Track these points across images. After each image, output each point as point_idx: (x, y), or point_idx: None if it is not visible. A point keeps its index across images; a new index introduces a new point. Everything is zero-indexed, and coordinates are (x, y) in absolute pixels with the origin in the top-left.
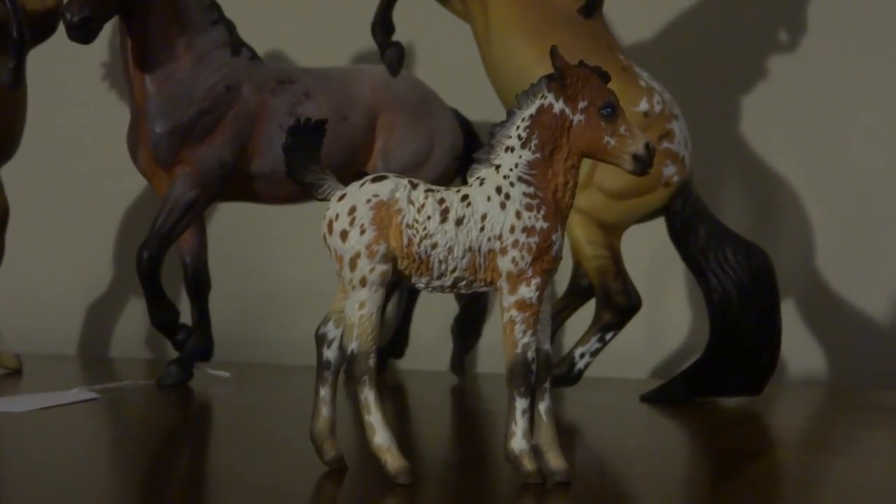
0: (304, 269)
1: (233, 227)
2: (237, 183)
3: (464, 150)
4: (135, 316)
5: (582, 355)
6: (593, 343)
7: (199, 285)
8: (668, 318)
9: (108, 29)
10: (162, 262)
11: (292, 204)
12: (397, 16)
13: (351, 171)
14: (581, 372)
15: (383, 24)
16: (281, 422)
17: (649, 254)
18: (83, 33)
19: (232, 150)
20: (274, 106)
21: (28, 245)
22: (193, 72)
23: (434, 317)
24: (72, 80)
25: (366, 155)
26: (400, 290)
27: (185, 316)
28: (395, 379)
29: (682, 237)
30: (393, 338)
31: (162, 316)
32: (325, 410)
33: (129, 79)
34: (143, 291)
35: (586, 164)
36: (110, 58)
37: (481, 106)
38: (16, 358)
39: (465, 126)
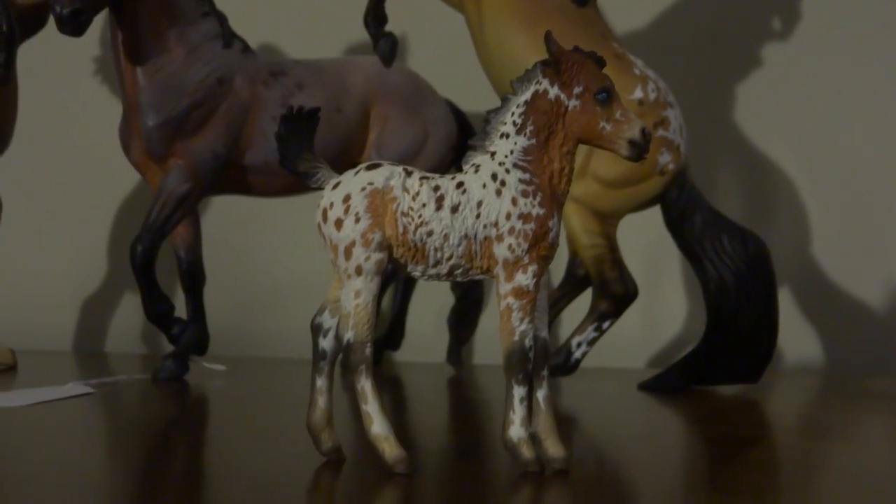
0: (299, 261)
1: (227, 220)
2: (230, 176)
3: (458, 141)
4: (130, 310)
5: (579, 345)
6: (590, 332)
7: (193, 279)
8: (665, 306)
9: (99, 22)
10: (156, 256)
11: (285, 196)
12: (390, 7)
13: (345, 163)
14: (578, 361)
15: (376, 15)
16: (277, 413)
17: (645, 242)
18: (73, 26)
19: (225, 143)
20: (267, 98)
21: (22, 240)
22: (185, 64)
23: (430, 309)
24: (63, 74)
25: (360, 146)
26: (395, 282)
27: (180, 309)
28: (391, 371)
29: (678, 225)
30: (389, 330)
31: (157, 309)
32: (321, 401)
33: (121, 72)
34: (137, 285)
35: (582, 152)
36: (101, 51)
37: (475, 96)
38: (11, 353)
39: (459, 117)
